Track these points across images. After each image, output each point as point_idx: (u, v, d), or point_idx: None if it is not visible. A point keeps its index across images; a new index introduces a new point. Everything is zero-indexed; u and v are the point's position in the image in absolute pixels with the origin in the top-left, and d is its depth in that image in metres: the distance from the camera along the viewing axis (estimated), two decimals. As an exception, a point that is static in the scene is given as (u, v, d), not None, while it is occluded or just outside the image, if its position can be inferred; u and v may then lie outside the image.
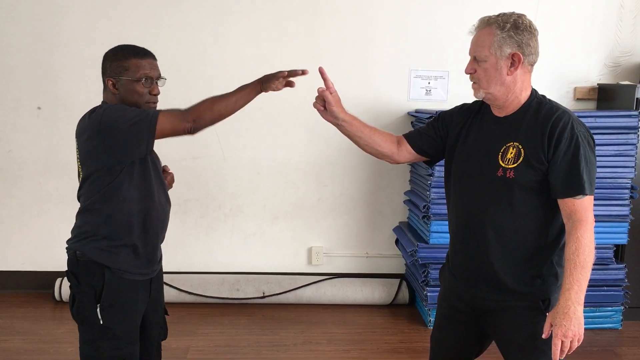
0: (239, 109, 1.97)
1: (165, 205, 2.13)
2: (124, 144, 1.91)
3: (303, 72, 1.99)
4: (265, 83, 1.98)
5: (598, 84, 3.94)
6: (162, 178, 2.14)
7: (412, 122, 3.88)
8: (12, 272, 3.94)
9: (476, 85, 1.89)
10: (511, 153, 1.82)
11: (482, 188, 1.87)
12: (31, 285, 3.91)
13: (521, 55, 1.82)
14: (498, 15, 1.88)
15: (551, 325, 1.72)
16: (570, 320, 1.69)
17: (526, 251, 1.85)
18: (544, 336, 1.74)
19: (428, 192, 3.40)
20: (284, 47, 3.81)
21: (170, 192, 3.94)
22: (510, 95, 1.85)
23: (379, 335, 3.45)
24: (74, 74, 3.73)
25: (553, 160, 1.76)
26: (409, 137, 2.11)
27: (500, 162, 1.82)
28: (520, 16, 1.86)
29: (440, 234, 3.41)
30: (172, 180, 2.33)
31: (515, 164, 1.80)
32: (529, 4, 3.82)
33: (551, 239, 1.85)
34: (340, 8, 3.80)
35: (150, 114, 1.91)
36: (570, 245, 1.74)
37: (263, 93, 2.00)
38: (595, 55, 3.95)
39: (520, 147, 1.80)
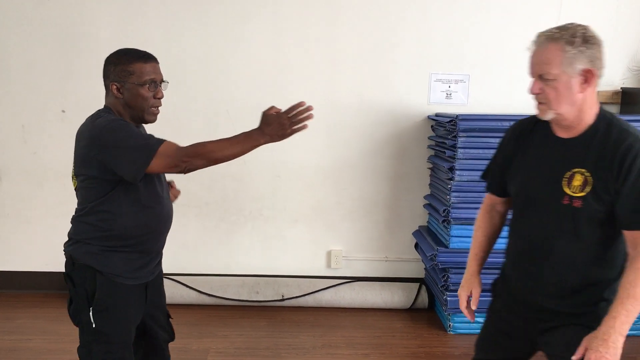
0: (237, 157, 1.90)
1: (166, 213, 2.10)
2: (115, 164, 1.88)
3: (308, 109, 1.87)
4: (267, 127, 1.86)
5: (621, 88, 3.89)
6: (159, 185, 2.09)
7: (432, 126, 3.86)
8: (36, 272, 4.01)
9: (544, 105, 1.79)
10: (578, 180, 1.73)
11: (546, 214, 1.80)
12: (54, 286, 3.97)
13: (594, 71, 1.70)
14: (561, 29, 1.75)
15: (586, 349, 1.65)
16: (608, 349, 1.61)
17: (588, 278, 1.78)
18: (574, 358, 1.66)
19: (448, 196, 3.39)
20: (304, 51, 3.83)
21: (191, 195, 4.01)
22: (580, 114, 1.74)
23: (398, 339, 3.44)
24: (98, 78, 3.71)
25: (622, 190, 1.68)
26: (494, 192, 2.04)
27: (566, 190, 1.74)
28: (586, 28, 1.75)
29: (460, 238, 3.39)
30: (176, 197, 2.30)
31: (583, 193, 1.71)
32: (552, 7, 3.79)
33: (616, 269, 1.78)
34: (361, 12, 3.80)
35: (150, 146, 1.85)
36: (628, 274, 1.67)
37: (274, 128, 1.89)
38: (618, 58, 3.90)
39: (587, 175, 1.71)
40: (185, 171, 1.88)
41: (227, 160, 1.90)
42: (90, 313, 1.96)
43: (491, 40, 3.83)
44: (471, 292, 2.04)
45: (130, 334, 2.05)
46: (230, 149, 1.87)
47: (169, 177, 2.24)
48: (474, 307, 2.04)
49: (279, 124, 1.86)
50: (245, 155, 4.03)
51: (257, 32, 3.81)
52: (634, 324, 3.42)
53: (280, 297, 3.80)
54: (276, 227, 4.01)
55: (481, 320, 3.43)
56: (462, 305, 2.06)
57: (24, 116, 3.86)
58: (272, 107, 1.89)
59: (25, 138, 3.88)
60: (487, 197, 2.08)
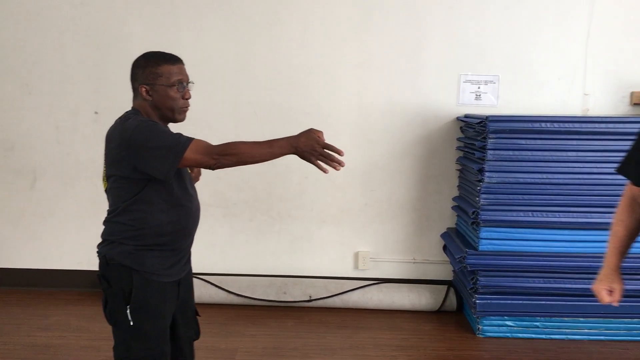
0: (264, 161, 1.94)
1: (194, 211, 2.13)
2: (147, 164, 1.91)
3: (340, 161, 1.91)
4: (303, 140, 1.90)
5: (657, 88, 3.81)
6: (189, 183, 2.13)
7: (461, 128, 3.83)
8: (68, 270, 4.10)
9: None
10: None
11: None
12: (86, 284, 4.06)
13: None
14: None
15: None
16: None
17: None
18: None
19: (477, 198, 3.36)
20: (333, 53, 3.84)
21: (220, 195, 4.05)
22: None
23: (427, 342, 3.42)
24: (129, 80, 3.85)
25: None
26: (637, 183, 1.95)
27: None
28: None
29: (489, 240, 3.36)
30: (199, 174, 2.33)
31: None
32: (583, 7, 3.73)
33: None
34: (389, 13, 3.79)
35: (180, 143, 1.89)
36: None
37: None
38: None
39: None
40: (214, 168, 1.93)
41: (254, 163, 1.93)
42: (128, 311, 2.00)
43: (521, 40, 3.79)
44: (612, 287, 1.96)
45: (166, 329, 2.09)
46: (259, 152, 1.91)
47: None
48: (615, 302, 1.96)
49: (312, 146, 1.90)
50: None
51: (286, 33, 3.83)
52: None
53: (308, 298, 3.81)
54: (304, 228, 4.03)
55: (513, 324, 3.41)
56: (605, 299, 1.99)
57: (58, 118, 3.95)
58: (321, 132, 1.93)
59: (59, 139, 3.97)
60: (628, 190, 1.98)
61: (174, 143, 1.90)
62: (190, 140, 1.92)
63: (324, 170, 1.93)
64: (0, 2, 3.85)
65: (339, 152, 1.90)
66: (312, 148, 1.89)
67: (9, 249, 4.09)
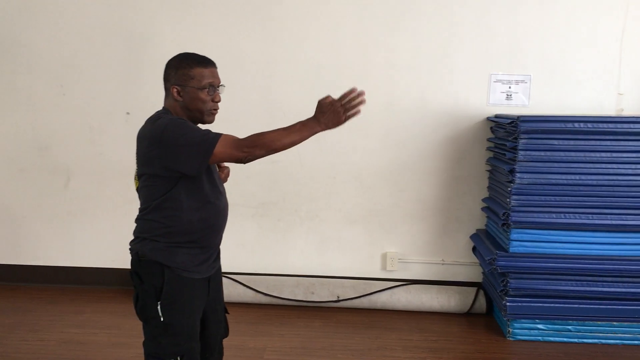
0: (294, 145, 1.97)
1: (223, 209, 2.16)
2: (178, 161, 1.95)
3: (360, 94, 1.95)
4: (323, 115, 1.94)
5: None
6: (218, 181, 2.16)
7: (491, 128, 3.79)
8: (101, 268, 4.17)
9: None
10: None
11: None
12: (118, 282, 4.13)
13: None
14: None
15: None
16: None
17: None
18: None
19: (508, 199, 3.31)
20: (362, 53, 3.83)
21: (248, 195, 4.08)
22: None
23: (456, 344, 3.39)
24: (161, 80, 3.90)
25: None
26: None
27: None
28: None
29: (520, 242, 3.32)
30: (228, 175, 2.38)
31: None
32: (619, 4, 3.66)
33: None
34: (419, 11, 3.77)
35: (210, 139, 1.93)
36: None
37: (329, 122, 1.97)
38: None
39: None
40: (245, 161, 1.95)
41: (285, 149, 1.96)
42: (158, 307, 2.03)
43: (554, 39, 3.73)
44: None
45: (196, 326, 2.12)
46: (288, 137, 1.95)
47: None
48: None
49: (333, 112, 1.94)
50: (302, 156, 4.07)
51: (315, 33, 3.84)
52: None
53: (336, 298, 3.81)
54: (332, 228, 4.03)
55: (544, 328, 3.36)
56: None
57: (91, 118, 4.03)
58: (328, 97, 1.96)
59: (92, 139, 4.04)
60: None
61: (203, 139, 1.93)
62: (219, 135, 1.95)
63: (357, 113, 1.96)
64: (36, 5, 3.93)
65: (353, 92, 1.95)
66: (335, 115, 1.94)
67: (43, 247, 4.19)
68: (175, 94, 2.06)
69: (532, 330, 3.40)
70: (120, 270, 4.09)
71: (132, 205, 4.01)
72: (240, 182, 3.85)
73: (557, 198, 3.28)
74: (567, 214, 3.28)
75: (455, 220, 3.97)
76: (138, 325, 2.14)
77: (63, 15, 3.94)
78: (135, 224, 2.15)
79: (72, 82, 4.00)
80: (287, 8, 3.83)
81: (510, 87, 3.78)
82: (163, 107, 2.11)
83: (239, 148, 1.93)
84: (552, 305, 3.33)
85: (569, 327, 3.37)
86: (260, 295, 3.85)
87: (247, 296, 3.87)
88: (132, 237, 2.16)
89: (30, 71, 4.01)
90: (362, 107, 1.95)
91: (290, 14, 3.84)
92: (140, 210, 2.13)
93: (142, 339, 2.12)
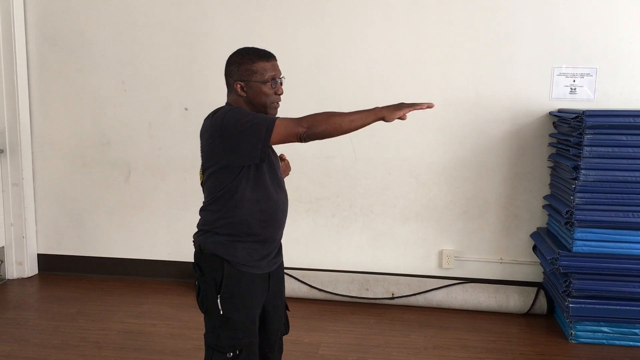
0: (354, 130, 1.94)
1: (283, 202, 2.17)
2: (240, 146, 1.95)
3: (428, 106, 1.96)
4: (389, 114, 1.94)
5: None
6: (279, 175, 2.17)
7: (554, 123, 3.66)
8: (159, 261, 4.27)
9: None
10: None
11: None
12: (176, 274, 4.21)
13: None
14: None
15: None
16: None
17: None
18: None
19: (572, 197, 3.19)
20: (418, 47, 3.77)
21: (303, 190, 4.08)
22: None
23: (515, 345, 3.29)
24: (218, 76, 3.92)
25: None
26: None
27: None
28: None
29: (585, 242, 3.19)
30: (288, 168, 2.40)
31: None
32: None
33: None
34: (476, 1, 3.68)
35: (268, 119, 1.94)
36: None
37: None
38: None
39: None
40: (305, 138, 1.93)
41: (343, 128, 1.92)
42: (218, 300, 2.05)
43: (621, 30, 3.57)
44: None
45: (254, 321, 2.13)
46: (348, 118, 1.92)
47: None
48: None
49: (399, 107, 1.95)
50: (357, 151, 4.03)
51: (370, 28, 3.80)
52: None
53: (391, 295, 3.77)
54: (387, 224, 3.99)
55: (609, 331, 3.23)
56: None
57: (150, 114, 4.12)
58: (406, 111, 1.95)
59: (151, 134, 4.13)
60: None
61: (262, 120, 1.94)
62: (276, 117, 1.98)
63: (428, 107, 1.97)
64: (100, 5, 4.05)
65: (429, 106, 1.97)
66: (398, 109, 1.94)
67: (104, 239, 4.32)
68: (239, 90, 2.07)
69: (596, 333, 3.27)
70: (178, 263, 4.17)
71: (189, 200, 4.10)
72: (295, 177, 3.85)
73: (624, 196, 3.15)
74: (634, 213, 3.14)
75: (515, 218, 3.86)
76: (196, 317, 2.18)
77: (125, 14, 4.04)
78: (199, 217, 2.18)
79: (132, 79, 4.10)
80: (340, 4, 3.81)
81: (574, 81, 3.64)
82: (226, 103, 2.13)
83: (298, 124, 1.92)
84: (618, 307, 3.19)
85: (636, 330, 3.22)
86: (314, 290, 3.85)
87: (302, 291, 3.87)
88: (191, 231, 2.19)
89: (95, 69, 4.13)
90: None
91: (343, 11, 3.81)
92: (204, 202, 2.16)
93: (200, 331, 2.15)
